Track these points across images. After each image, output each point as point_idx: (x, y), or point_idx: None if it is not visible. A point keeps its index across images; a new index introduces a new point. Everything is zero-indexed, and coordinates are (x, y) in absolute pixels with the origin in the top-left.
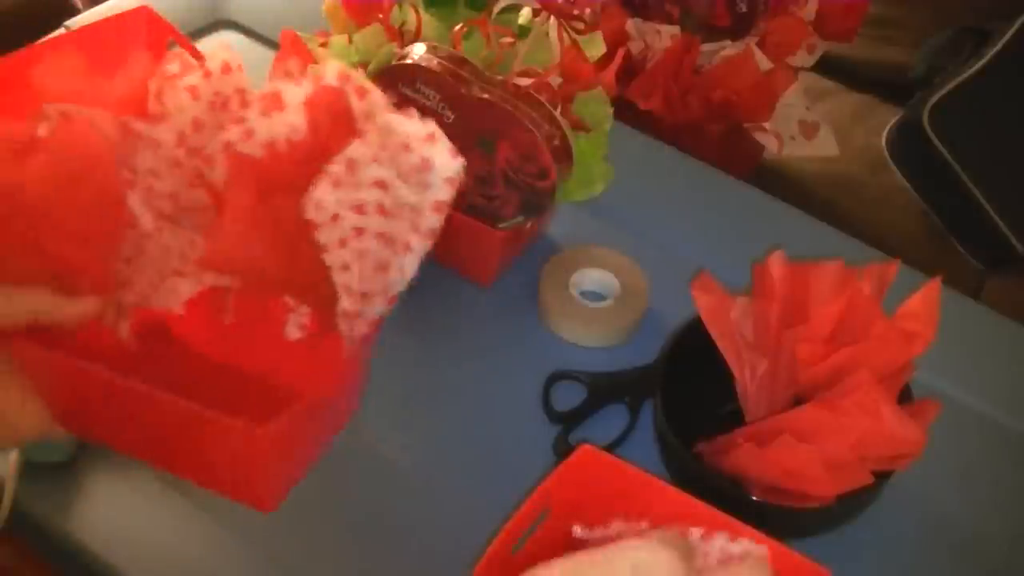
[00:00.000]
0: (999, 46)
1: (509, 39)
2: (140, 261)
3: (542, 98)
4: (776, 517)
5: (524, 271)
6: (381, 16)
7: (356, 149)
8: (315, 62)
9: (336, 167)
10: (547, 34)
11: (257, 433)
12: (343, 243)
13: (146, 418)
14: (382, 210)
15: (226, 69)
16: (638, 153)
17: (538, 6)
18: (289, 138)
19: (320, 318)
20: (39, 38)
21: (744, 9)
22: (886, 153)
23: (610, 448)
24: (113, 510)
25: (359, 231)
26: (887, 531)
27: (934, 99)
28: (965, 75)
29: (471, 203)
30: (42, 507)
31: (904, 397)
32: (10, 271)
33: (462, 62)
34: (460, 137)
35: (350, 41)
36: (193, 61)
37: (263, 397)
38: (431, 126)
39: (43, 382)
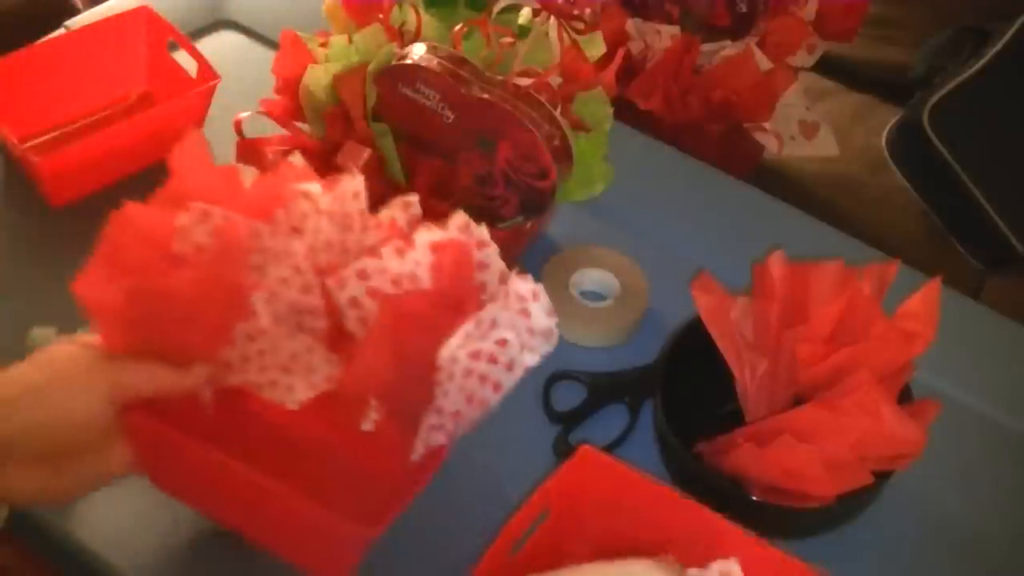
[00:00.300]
0: (999, 46)
1: (509, 39)
2: (248, 348)
3: (542, 98)
4: (776, 517)
5: (524, 271)
6: (381, 16)
7: (491, 311)
8: (315, 62)
9: (471, 326)
10: (547, 34)
11: (362, 533)
12: (451, 377)
13: (245, 498)
14: (493, 358)
15: (356, 195)
16: (638, 153)
17: (538, 6)
18: (414, 276)
19: (403, 423)
20: (39, 38)
21: (744, 9)
22: (886, 153)
23: (610, 448)
24: (113, 509)
25: (468, 371)
26: (887, 531)
27: (934, 99)
28: (965, 75)
29: (471, 203)
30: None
31: (904, 397)
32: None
33: (462, 62)
34: (460, 137)
35: (350, 41)
36: (317, 190)
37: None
38: (536, 285)
39: (145, 448)
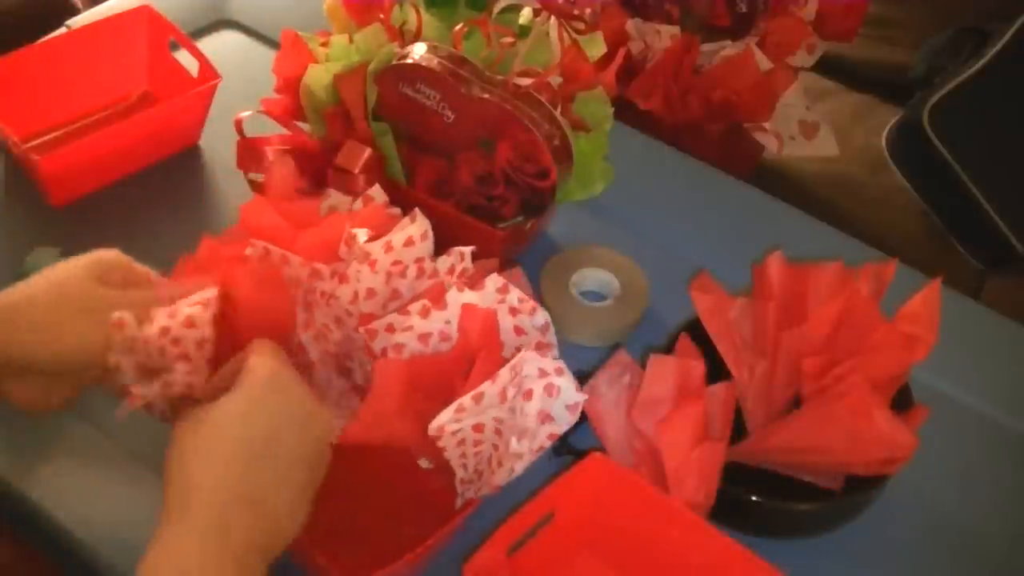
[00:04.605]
0: (999, 46)
1: (509, 39)
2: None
3: (542, 98)
4: (776, 517)
5: (524, 271)
6: (382, 16)
7: (487, 387)
8: (316, 61)
9: (466, 399)
10: (547, 34)
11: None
12: (461, 443)
13: None
14: (498, 432)
15: (409, 243)
16: (638, 153)
17: (538, 6)
18: (444, 334)
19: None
20: (39, 38)
21: (744, 9)
22: (886, 153)
23: None
24: (114, 507)
25: (477, 443)
26: (887, 531)
27: (934, 99)
28: (965, 75)
29: (471, 203)
30: (42, 505)
31: (904, 398)
32: None
33: (462, 62)
34: (460, 137)
35: (351, 41)
36: (374, 240)
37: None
38: (560, 363)
39: None
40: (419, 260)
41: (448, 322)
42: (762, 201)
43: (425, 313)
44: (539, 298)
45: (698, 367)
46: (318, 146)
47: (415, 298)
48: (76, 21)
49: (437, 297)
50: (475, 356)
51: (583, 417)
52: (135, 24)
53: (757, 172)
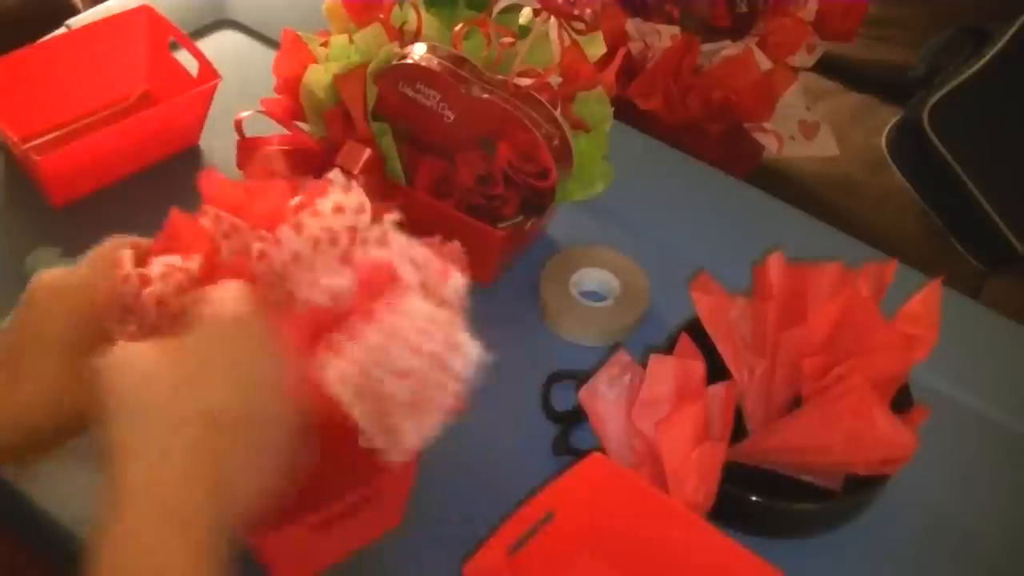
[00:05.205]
0: (999, 46)
1: (509, 39)
2: None
3: (542, 98)
4: (776, 517)
5: (524, 271)
6: (382, 16)
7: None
8: (315, 61)
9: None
10: (547, 34)
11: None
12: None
13: None
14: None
15: (338, 209)
16: (638, 153)
17: (538, 6)
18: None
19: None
20: (39, 38)
21: (744, 9)
22: (886, 153)
23: None
24: None
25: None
26: (887, 531)
27: (934, 99)
28: (965, 75)
29: (471, 203)
30: (44, 504)
31: (904, 398)
32: None
33: (462, 62)
34: (460, 137)
35: (351, 41)
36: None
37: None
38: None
39: None
40: (351, 229)
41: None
42: (762, 201)
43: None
44: (539, 297)
45: (698, 367)
46: (318, 146)
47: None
48: (76, 21)
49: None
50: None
51: (583, 417)
52: (135, 24)
53: (757, 172)
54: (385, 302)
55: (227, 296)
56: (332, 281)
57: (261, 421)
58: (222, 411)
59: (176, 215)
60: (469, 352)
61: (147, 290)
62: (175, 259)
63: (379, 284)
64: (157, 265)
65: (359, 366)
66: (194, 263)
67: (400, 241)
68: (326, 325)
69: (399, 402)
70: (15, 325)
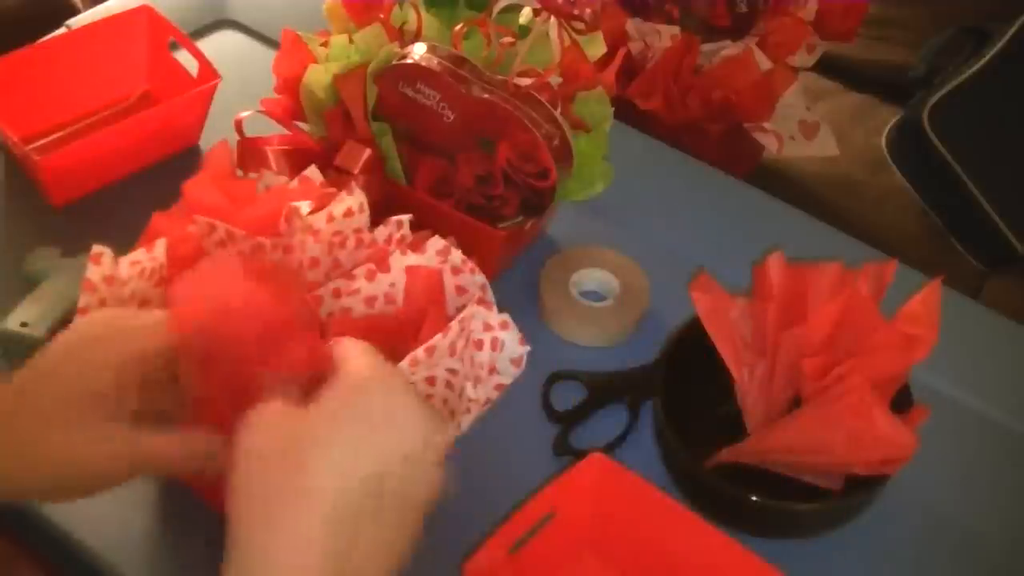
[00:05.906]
0: (999, 46)
1: (509, 39)
2: None
3: (542, 98)
4: (776, 517)
5: (524, 271)
6: (382, 16)
7: (438, 340)
8: (315, 61)
9: (419, 352)
10: (547, 34)
11: None
12: None
13: None
14: (449, 385)
15: (348, 213)
16: (638, 153)
17: (538, 6)
18: (390, 297)
19: None
20: (39, 38)
21: (744, 9)
22: (886, 153)
23: (610, 448)
24: (114, 508)
25: (428, 396)
26: (887, 531)
27: (934, 99)
28: (965, 75)
29: (471, 203)
30: (43, 505)
31: (904, 398)
32: None
33: (462, 62)
34: (460, 137)
35: (351, 41)
36: (306, 208)
37: None
38: (505, 316)
39: None
40: (358, 231)
41: (393, 285)
42: (762, 201)
43: (371, 276)
44: (539, 297)
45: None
46: (318, 146)
47: (356, 266)
48: (76, 21)
49: (381, 261)
50: (422, 314)
51: (583, 417)
52: (135, 24)
53: (757, 172)
54: (458, 317)
55: (361, 356)
56: (371, 288)
57: (414, 483)
58: (388, 472)
59: (158, 218)
60: (514, 352)
61: (125, 288)
62: (139, 253)
63: (426, 291)
64: (123, 266)
65: (426, 373)
66: (159, 251)
67: (437, 245)
68: (378, 333)
69: (452, 405)
70: (51, 370)
